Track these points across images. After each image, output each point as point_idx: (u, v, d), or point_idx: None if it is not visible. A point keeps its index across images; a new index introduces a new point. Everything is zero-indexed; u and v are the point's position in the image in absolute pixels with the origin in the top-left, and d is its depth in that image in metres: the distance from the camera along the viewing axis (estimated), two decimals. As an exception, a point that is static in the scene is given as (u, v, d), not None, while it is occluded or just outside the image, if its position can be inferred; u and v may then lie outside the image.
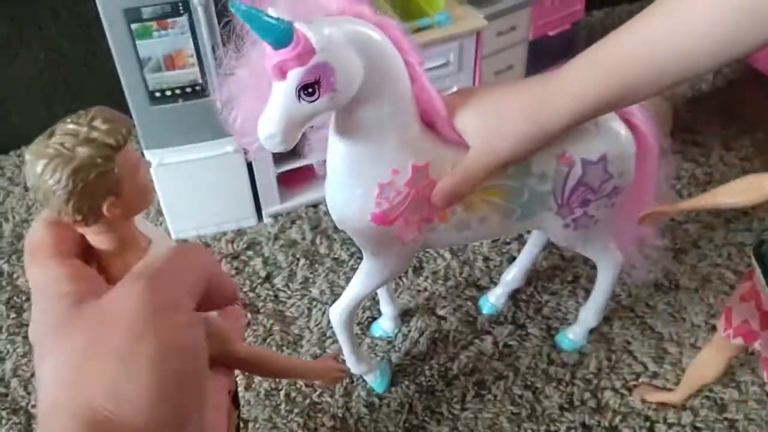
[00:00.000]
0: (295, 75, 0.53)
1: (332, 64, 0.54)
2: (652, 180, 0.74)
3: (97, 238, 0.45)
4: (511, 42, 1.12)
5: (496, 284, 0.98)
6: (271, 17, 0.51)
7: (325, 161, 0.67)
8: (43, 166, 0.40)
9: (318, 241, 1.08)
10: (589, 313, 0.90)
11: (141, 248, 0.48)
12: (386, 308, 0.93)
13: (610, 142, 0.69)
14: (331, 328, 0.79)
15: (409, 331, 0.94)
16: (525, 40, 1.14)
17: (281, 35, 0.52)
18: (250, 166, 1.07)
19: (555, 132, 0.60)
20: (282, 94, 0.54)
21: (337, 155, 0.64)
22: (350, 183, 0.65)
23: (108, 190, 0.42)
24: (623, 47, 0.55)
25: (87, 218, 0.43)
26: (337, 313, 0.77)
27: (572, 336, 0.92)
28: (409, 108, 0.62)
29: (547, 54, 1.19)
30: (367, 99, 0.58)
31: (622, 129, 0.70)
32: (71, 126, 0.41)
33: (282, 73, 0.53)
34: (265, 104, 0.56)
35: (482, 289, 1.00)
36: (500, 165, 0.62)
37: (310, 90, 0.54)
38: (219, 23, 0.90)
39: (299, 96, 0.54)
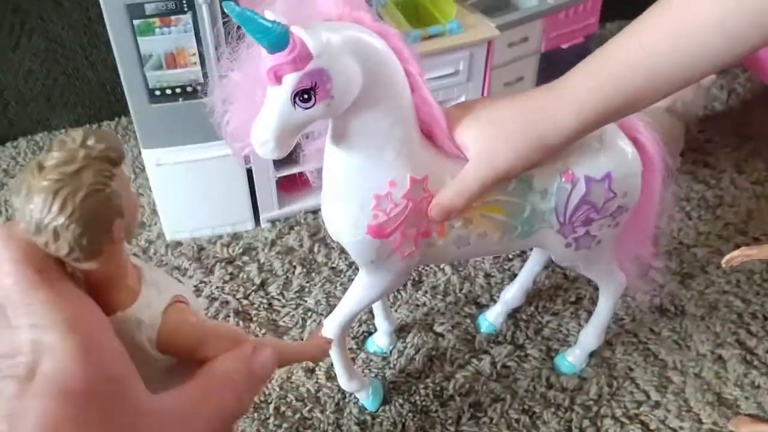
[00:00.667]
0: (290, 80, 0.51)
1: (329, 70, 0.52)
2: (657, 197, 0.72)
3: (98, 269, 0.39)
4: (522, 53, 1.10)
5: (496, 302, 0.96)
6: (266, 20, 0.49)
7: (319, 170, 0.65)
8: (47, 201, 0.35)
9: (316, 249, 1.06)
10: (589, 336, 0.87)
11: (135, 269, 0.44)
12: (382, 323, 0.90)
13: (616, 161, 0.67)
14: (325, 342, 0.76)
15: (405, 348, 0.91)
16: (537, 51, 1.12)
17: (277, 39, 0.49)
18: (249, 169, 1.04)
19: (555, 145, 0.59)
20: (277, 99, 0.52)
21: (333, 165, 0.62)
22: (346, 194, 0.63)
23: (116, 211, 0.39)
24: (621, 55, 0.55)
25: (101, 250, 0.38)
26: (329, 328, 0.75)
27: (572, 359, 0.89)
28: (408, 119, 0.60)
29: (558, 66, 1.16)
30: (366, 108, 0.56)
31: (628, 147, 0.68)
32: (61, 153, 0.37)
33: (277, 78, 0.51)
34: (259, 109, 0.53)
35: (482, 307, 0.97)
36: (498, 179, 0.61)
37: (305, 96, 0.52)
38: (223, 22, 0.88)
39: (294, 102, 0.52)
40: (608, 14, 1.23)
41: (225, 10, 0.49)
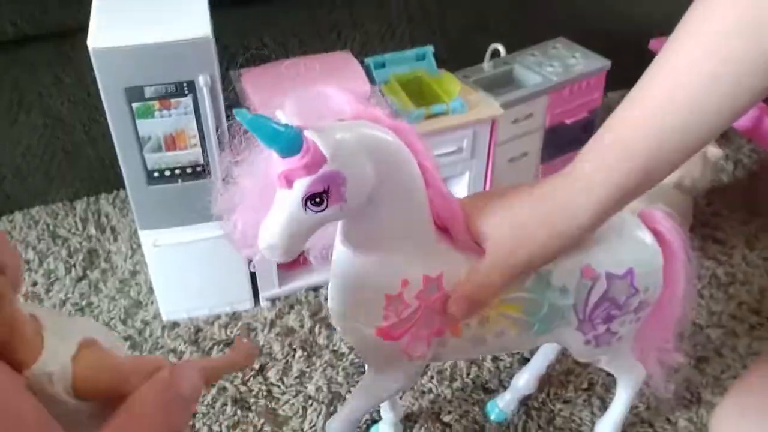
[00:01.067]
0: (302, 184, 0.49)
1: (343, 173, 0.50)
2: (679, 291, 0.70)
3: None
4: (526, 130, 1.08)
5: (505, 387, 0.92)
6: (279, 124, 0.47)
7: (323, 250, 0.62)
8: None
9: (317, 330, 1.02)
10: (605, 428, 0.83)
11: (33, 321, 0.43)
12: (387, 414, 0.86)
13: (637, 254, 0.65)
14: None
15: (411, 440, 0.87)
16: (541, 127, 1.10)
17: (289, 143, 0.48)
18: (249, 247, 1.02)
19: (574, 235, 0.58)
20: (287, 203, 0.50)
21: (342, 262, 0.60)
22: (355, 293, 0.60)
23: None
24: (623, 132, 0.54)
25: None
26: (334, 429, 0.71)
27: (586, 451, 0.85)
28: (423, 216, 0.58)
29: (563, 140, 1.15)
30: (379, 206, 0.54)
31: (648, 239, 0.66)
32: None
33: (288, 183, 0.49)
34: (267, 211, 0.51)
35: (491, 393, 0.93)
36: (519, 271, 0.60)
37: (317, 200, 0.50)
38: (225, 104, 0.87)
39: (306, 206, 0.50)
40: (610, 83, 1.22)
41: (236, 118, 0.47)
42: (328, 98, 0.55)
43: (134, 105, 0.83)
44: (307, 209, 0.50)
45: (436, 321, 0.62)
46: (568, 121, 1.12)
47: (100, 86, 0.82)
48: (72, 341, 0.43)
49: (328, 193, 0.50)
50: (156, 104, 0.84)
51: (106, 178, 1.26)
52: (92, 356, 0.43)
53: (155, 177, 0.90)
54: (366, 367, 0.68)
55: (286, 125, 0.48)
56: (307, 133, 0.48)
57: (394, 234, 0.57)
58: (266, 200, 0.52)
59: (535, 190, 0.59)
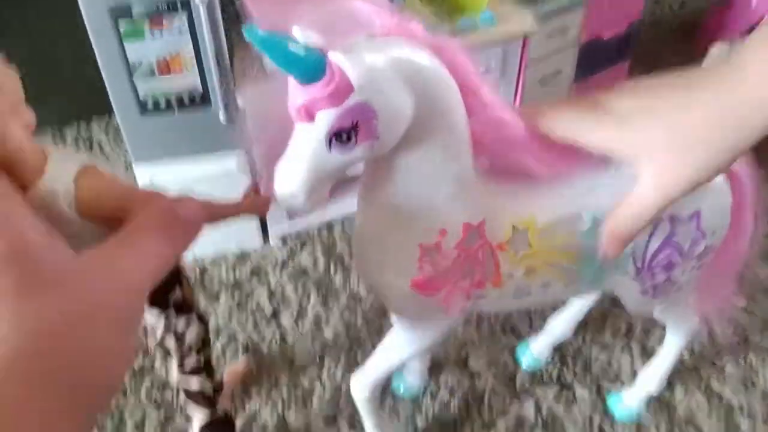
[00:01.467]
0: (326, 118, 0.40)
1: (374, 104, 0.40)
2: (747, 232, 0.61)
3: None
4: (560, 46, 0.97)
5: (536, 330, 0.85)
6: (297, 45, 0.38)
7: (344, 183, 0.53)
8: None
9: (332, 269, 0.95)
10: (650, 378, 0.77)
11: (39, 148, 0.45)
12: (413, 362, 0.79)
13: (705, 195, 0.56)
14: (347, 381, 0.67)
15: (438, 390, 0.81)
16: (576, 43, 0.99)
17: (310, 68, 0.39)
18: (256, 181, 0.93)
19: (749, 141, 0.46)
20: (308, 141, 0.41)
21: (370, 209, 0.51)
22: (386, 243, 0.52)
23: None
24: None
25: None
26: (360, 388, 0.65)
27: (628, 401, 0.79)
28: (464, 154, 0.48)
29: (598, 57, 1.04)
30: (415, 144, 0.45)
31: (718, 177, 0.57)
32: None
33: (309, 115, 0.40)
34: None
35: (521, 337, 0.87)
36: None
37: (345, 137, 0.41)
38: (224, 19, 0.76)
39: (330, 144, 0.41)
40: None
41: (247, 38, 0.38)
42: (353, 10, 0.44)
43: (121, 27, 0.73)
44: (332, 148, 0.41)
45: (477, 272, 0.54)
46: (605, 36, 1.00)
47: (80, 4, 0.71)
48: (74, 163, 0.45)
49: (357, 128, 0.41)
50: (146, 23, 0.73)
51: (97, 101, 1.15)
52: (93, 176, 0.46)
53: (149, 107, 0.80)
54: (391, 316, 0.61)
55: (305, 46, 0.39)
56: (331, 56, 0.39)
57: (431, 175, 0.48)
58: (287, 136, 0.43)
59: (691, 88, 0.44)
